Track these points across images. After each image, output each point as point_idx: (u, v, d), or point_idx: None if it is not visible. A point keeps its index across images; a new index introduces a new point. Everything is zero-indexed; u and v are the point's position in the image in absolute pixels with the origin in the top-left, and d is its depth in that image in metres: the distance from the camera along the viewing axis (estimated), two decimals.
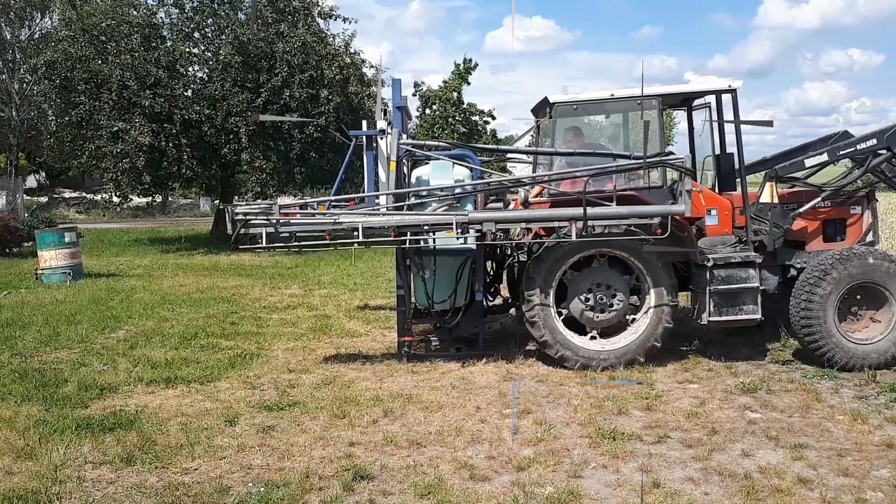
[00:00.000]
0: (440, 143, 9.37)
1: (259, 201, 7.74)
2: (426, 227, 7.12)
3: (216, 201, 30.38)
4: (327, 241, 7.30)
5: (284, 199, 20.08)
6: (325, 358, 7.92)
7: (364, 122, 8.83)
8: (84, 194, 35.94)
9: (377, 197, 7.62)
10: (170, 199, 35.60)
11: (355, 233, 7.04)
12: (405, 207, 7.43)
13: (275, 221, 7.03)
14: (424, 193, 7.62)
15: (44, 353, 8.17)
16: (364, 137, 7.88)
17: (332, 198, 7.74)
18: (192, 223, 29.92)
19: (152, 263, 16.70)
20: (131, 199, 21.71)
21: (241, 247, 7.31)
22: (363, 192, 7.99)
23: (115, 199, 20.19)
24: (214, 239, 21.15)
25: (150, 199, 23.05)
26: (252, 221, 7.06)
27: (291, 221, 7.14)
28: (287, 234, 7.19)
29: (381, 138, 7.65)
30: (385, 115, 7.73)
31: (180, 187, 26.33)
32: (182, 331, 9.18)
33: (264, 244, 7.12)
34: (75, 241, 14.00)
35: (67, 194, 36.83)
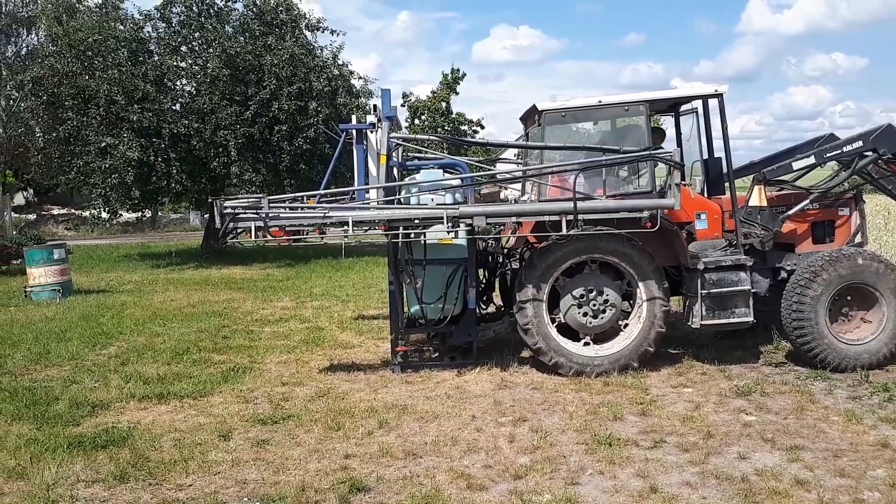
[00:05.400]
0: (431, 137, 9.39)
1: (248, 195, 7.67)
2: (417, 221, 7.11)
3: (206, 215, 30.22)
4: (318, 235, 7.28)
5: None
6: (319, 370, 7.88)
7: (354, 117, 8.73)
8: (73, 211, 35.70)
9: (367, 191, 7.58)
10: (159, 213, 35.40)
11: (345, 227, 7.01)
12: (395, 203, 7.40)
13: (264, 215, 6.99)
14: (415, 190, 7.62)
15: (34, 371, 8.10)
16: (354, 131, 7.85)
17: (322, 192, 7.68)
18: (182, 237, 29.76)
19: (143, 279, 16.59)
20: (121, 215, 21.56)
21: (228, 240, 7.24)
22: (353, 186, 7.92)
23: (104, 215, 20.05)
24: (205, 253, 21.04)
25: (140, 214, 22.88)
26: (241, 215, 7.02)
27: (281, 216, 7.10)
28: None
29: (371, 132, 7.62)
30: (375, 110, 7.70)
31: (170, 202, 26.17)
32: (174, 346, 9.12)
33: (253, 238, 7.08)
34: (64, 257, 13.89)
35: (56, 211, 36.56)
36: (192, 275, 17.25)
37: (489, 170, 9.08)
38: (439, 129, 27.39)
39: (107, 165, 17.56)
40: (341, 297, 13.05)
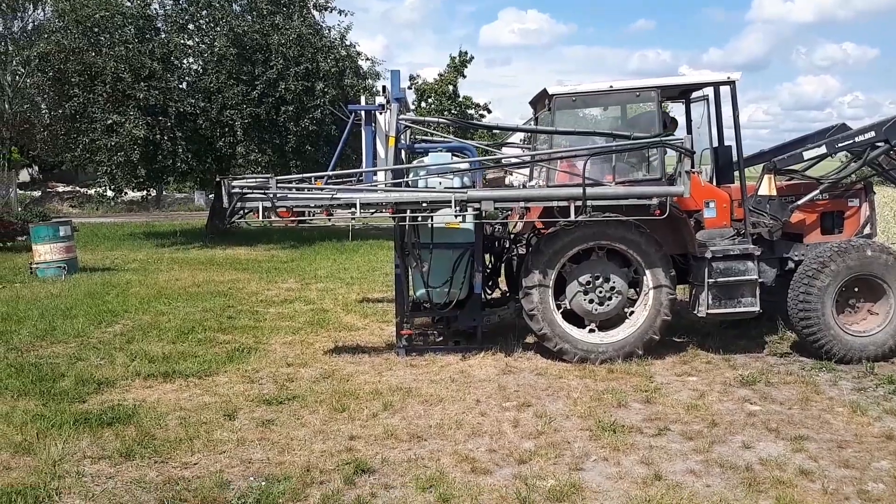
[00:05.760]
0: (441, 120, 9.36)
1: (256, 175, 7.72)
2: (425, 204, 7.09)
3: (210, 195, 30.19)
4: (325, 216, 7.28)
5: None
6: (324, 352, 7.89)
7: (363, 98, 8.63)
8: (77, 188, 35.75)
9: (375, 173, 7.55)
10: (164, 193, 35.44)
11: (352, 209, 7.00)
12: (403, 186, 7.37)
13: (272, 195, 6.97)
14: (423, 172, 7.59)
15: (40, 348, 8.12)
16: (363, 112, 7.80)
17: (330, 172, 7.65)
18: (186, 217, 29.80)
19: (147, 258, 16.62)
20: (126, 193, 21.55)
21: (235, 220, 7.22)
22: (361, 168, 7.88)
23: (110, 193, 20.05)
24: (210, 233, 21.07)
25: (146, 192, 22.89)
26: (248, 195, 7.01)
27: (288, 196, 7.09)
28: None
29: (381, 113, 7.57)
30: (384, 91, 7.66)
31: (175, 181, 26.15)
32: (179, 325, 9.14)
33: (260, 218, 7.06)
34: (70, 235, 13.91)
35: (61, 188, 36.61)
36: (196, 254, 17.27)
37: (498, 154, 9.04)
38: (446, 113, 27.26)
39: (113, 143, 17.55)
40: (346, 279, 13.06)
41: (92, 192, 23.51)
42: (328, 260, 16.04)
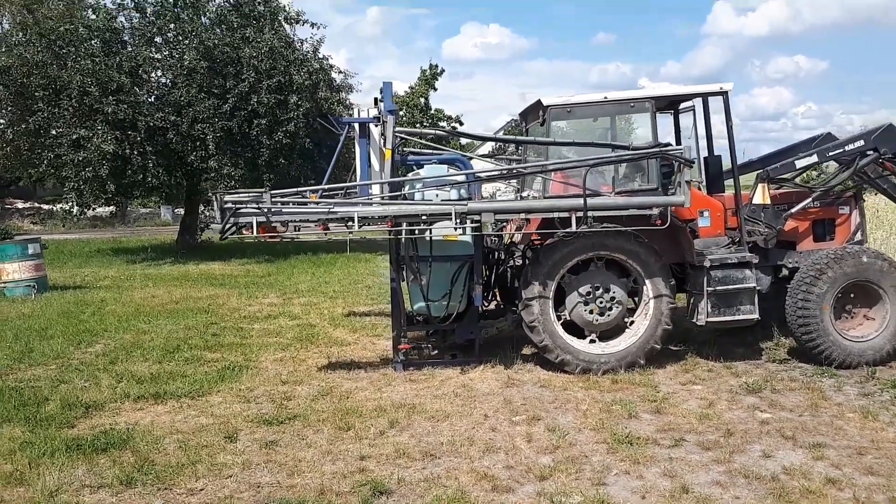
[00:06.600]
0: (438, 132, 9.24)
1: (249, 190, 7.48)
2: (424, 217, 6.96)
3: (178, 210, 29.50)
4: (322, 231, 7.10)
5: None
6: (318, 368, 7.68)
7: (356, 111, 8.41)
8: (37, 204, 34.68)
9: (371, 186, 7.38)
10: (128, 208, 34.55)
11: (350, 222, 6.82)
12: (401, 199, 7.21)
13: (266, 210, 6.77)
14: (419, 185, 7.45)
15: (18, 371, 7.74)
16: (357, 125, 7.62)
17: (325, 186, 7.46)
18: (153, 233, 29.07)
19: (119, 274, 16.12)
20: (94, 210, 20.88)
21: (230, 235, 6.96)
22: (354, 181, 7.70)
23: (75, 210, 19.41)
24: (180, 248, 20.58)
25: (115, 207, 22.26)
26: (242, 210, 6.79)
27: (283, 210, 6.89)
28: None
29: (375, 125, 7.41)
30: (376, 103, 7.51)
31: (141, 196, 25.49)
32: (163, 343, 8.82)
33: (254, 233, 6.85)
34: (39, 252, 13.40)
35: (20, 204, 35.47)
36: (169, 270, 16.83)
37: (494, 165, 8.98)
38: (417, 125, 27.15)
39: (80, 158, 17.00)
40: (328, 293, 12.82)
41: (57, 207, 22.67)
42: (306, 273, 15.76)
